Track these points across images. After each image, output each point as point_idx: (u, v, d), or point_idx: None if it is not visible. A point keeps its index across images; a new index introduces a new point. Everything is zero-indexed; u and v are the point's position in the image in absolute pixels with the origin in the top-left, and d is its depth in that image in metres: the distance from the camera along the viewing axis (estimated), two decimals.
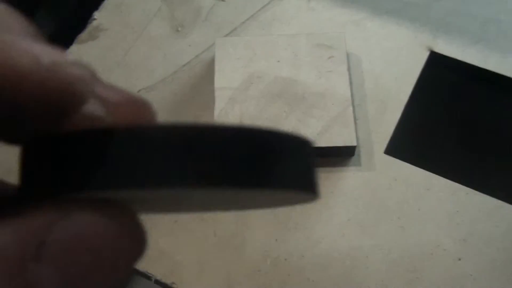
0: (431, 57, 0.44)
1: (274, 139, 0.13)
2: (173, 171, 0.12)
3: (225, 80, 0.41)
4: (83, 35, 0.47)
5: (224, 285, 0.36)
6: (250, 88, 0.41)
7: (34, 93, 0.12)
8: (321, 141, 0.38)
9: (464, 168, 0.41)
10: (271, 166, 0.13)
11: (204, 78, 0.44)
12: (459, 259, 0.36)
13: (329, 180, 0.39)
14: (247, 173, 0.12)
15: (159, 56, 0.46)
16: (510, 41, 0.44)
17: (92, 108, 0.13)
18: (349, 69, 0.42)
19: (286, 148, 0.13)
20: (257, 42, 0.43)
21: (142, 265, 0.37)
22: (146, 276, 0.36)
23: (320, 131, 0.39)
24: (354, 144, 0.38)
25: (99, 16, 0.48)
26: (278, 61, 0.42)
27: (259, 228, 0.38)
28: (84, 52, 0.46)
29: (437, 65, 0.45)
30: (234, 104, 0.40)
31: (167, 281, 0.37)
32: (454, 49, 0.44)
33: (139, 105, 0.14)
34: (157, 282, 0.37)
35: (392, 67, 0.44)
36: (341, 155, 0.40)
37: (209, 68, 0.44)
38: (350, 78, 0.41)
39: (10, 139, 0.13)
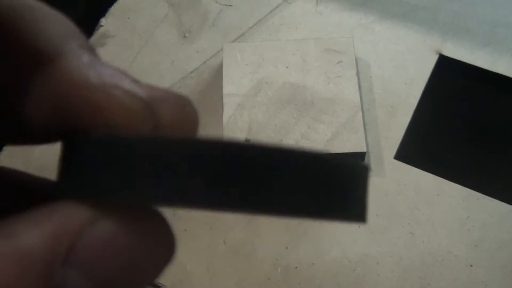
0: (440, 61, 0.44)
1: (333, 166, 0.13)
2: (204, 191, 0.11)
3: (234, 86, 0.41)
4: (90, 42, 0.47)
5: None
6: (259, 94, 0.41)
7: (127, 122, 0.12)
8: (331, 147, 0.38)
9: (474, 173, 0.41)
10: (326, 195, 0.12)
11: (212, 84, 0.44)
12: (471, 266, 0.36)
13: None
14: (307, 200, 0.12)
15: (167, 63, 0.46)
16: None
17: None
18: (358, 73, 0.42)
19: (343, 175, 0.13)
20: (265, 47, 0.43)
21: None
22: (156, 286, 0.36)
23: (329, 138, 0.39)
24: (364, 150, 0.38)
25: (106, 23, 0.48)
26: (287, 67, 0.42)
27: (269, 236, 0.38)
28: None
29: (446, 69, 0.44)
30: (243, 110, 0.40)
31: None
32: (463, 52, 0.44)
33: (183, 103, 0.13)
34: None
35: (401, 71, 0.44)
36: None
37: (217, 74, 0.44)
38: (359, 83, 0.41)
39: (50, 138, 0.13)
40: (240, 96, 0.41)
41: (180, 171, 0.11)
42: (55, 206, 0.11)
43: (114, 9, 0.49)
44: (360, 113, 0.39)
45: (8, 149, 0.42)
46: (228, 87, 0.41)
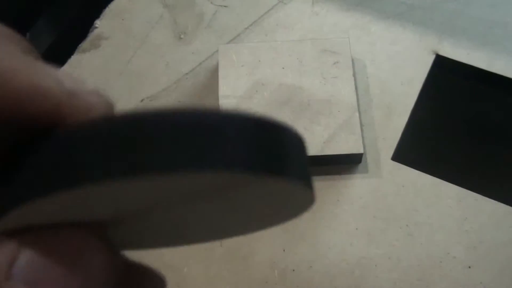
0: (436, 61, 0.44)
1: (276, 128, 0.13)
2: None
3: (229, 88, 0.41)
4: (84, 44, 0.47)
5: None
6: (255, 96, 0.40)
7: (50, 114, 0.12)
8: (328, 149, 0.38)
9: (472, 174, 0.40)
10: (273, 154, 0.12)
11: (208, 86, 0.44)
12: (469, 267, 0.36)
13: (336, 188, 0.39)
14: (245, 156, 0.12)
15: (162, 64, 0.45)
16: None
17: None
18: (354, 74, 0.42)
19: (287, 138, 0.13)
20: (261, 48, 0.43)
21: None
22: None
23: (326, 139, 0.38)
24: (361, 151, 0.38)
25: (101, 25, 0.48)
26: (283, 68, 0.42)
27: (266, 238, 0.37)
28: (86, 61, 0.46)
29: (443, 69, 0.44)
30: None
31: None
32: (459, 52, 0.44)
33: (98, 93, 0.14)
34: None
35: (398, 72, 0.43)
36: (348, 163, 0.39)
37: (213, 76, 0.44)
38: (355, 84, 0.41)
39: None
40: (236, 98, 0.40)
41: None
42: None
43: (108, 11, 0.48)
44: (357, 114, 0.39)
45: None
46: (224, 89, 0.41)
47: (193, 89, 0.44)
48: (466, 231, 0.37)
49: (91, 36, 0.47)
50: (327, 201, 0.38)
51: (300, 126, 0.39)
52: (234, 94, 0.41)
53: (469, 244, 0.37)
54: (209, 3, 0.48)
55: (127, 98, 0.44)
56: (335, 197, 0.39)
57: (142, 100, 0.44)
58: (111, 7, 0.49)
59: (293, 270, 0.36)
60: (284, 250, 0.37)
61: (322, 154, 0.38)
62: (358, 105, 0.41)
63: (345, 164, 0.39)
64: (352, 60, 0.42)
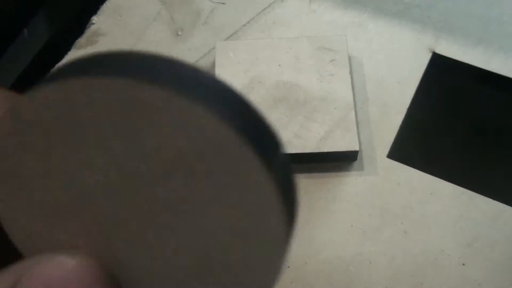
0: (433, 59, 0.44)
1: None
2: None
3: None
4: (81, 40, 0.47)
5: None
6: (251, 93, 0.41)
7: None
8: (324, 146, 0.38)
9: (468, 171, 0.41)
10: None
11: None
12: (463, 264, 0.36)
13: (331, 185, 0.39)
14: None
15: None
16: None
17: None
18: (351, 72, 0.42)
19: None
20: (258, 45, 0.43)
21: None
22: None
23: (322, 136, 0.38)
24: (357, 149, 0.38)
25: (98, 21, 0.48)
26: (280, 65, 0.42)
27: None
28: None
29: (440, 67, 0.44)
30: None
31: None
32: (456, 50, 0.44)
33: None
34: None
35: (394, 70, 0.43)
36: (343, 160, 0.39)
37: (210, 73, 0.44)
38: (352, 82, 0.41)
39: None
40: None
41: None
42: None
43: (105, 7, 0.48)
44: (353, 112, 0.39)
45: None
46: None
47: None
48: (461, 228, 0.37)
49: (88, 32, 0.47)
50: (322, 198, 0.39)
51: (296, 123, 0.39)
52: None
53: (464, 241, 0.37)
54: (207, 0, 0.48)
55: None
56: (331, 194, 0.39)
57: None
58: (108, 3, 0.49)
59: (288, 267, 0.36)
60: None
61: (318, 151, 0.38)
62: (355, 102, 0.41)
63: (340, 161, 0.40)
64: (349, 58, 0.42)
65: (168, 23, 0.47)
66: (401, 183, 0.39)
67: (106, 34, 0.47)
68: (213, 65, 0.44)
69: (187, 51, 0.46)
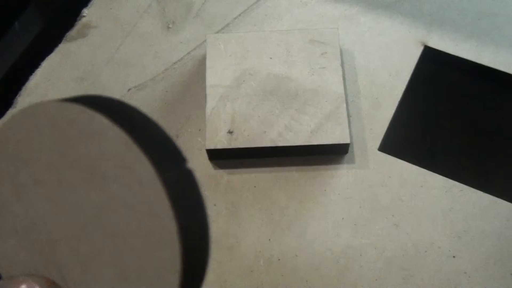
0: (425, 52, 0.44)
1: None
2: None
3: (217, 77, 0.41)
4: (72, 33, 0.46)
5: (217, 286, 0.36)
6: (242, 85, 0.40)
7: None
8: (315, 139, 0.38)
9: (458, 164, 0.41)
10: None
11: (195, 76, 0.44)
12: (454, 257, 0.36)
13: (323, 178, 0.39)
14: None
15: (150, 54, 0.45)
16: (504, 35, 0.44)
17: None
18: (342, 65, 0.42)
19: None
20: (249, 38, 0.42)
21: None
22: None
23: (313, 129, 0.38)
24: (348, 141, 0.38)
25: (88, 13, 0.47)
26: (271, 58, 0.41)
27: (252, 228, 0.37)
28: (73, 50, 0.45)
29: (431, 60, 0.44)
30: (226, 102, 0.40)
31: None
32: (448, 43, 0.44)
33: None
34: None
35: (386, 63, 0.43)
36: (335, 153, 0.39)
37: (201, 65, 0.44)
38: (343, 74, 0.41)
39: None
40: (224, 87, 0.40)
41: None
42: None
43: (96, 0, 0.48)
44: (344, 105, 0.39)
45: None
46: (211, 78, 0.41)
47: (181, 78, 0.44)
48: (451, 221, 0.37)
49: (79, 24, 0.47)
50: (313, 191, 0.38)
51: (287, 116, 0.39)
52: (222, 84, 0.40)
53: (454, 234, 0.37)
54: None
55: (114, 87, 0.43)
56: (322, 187, 0.39)
57: (129, 90, 0.43)
58: None
59: (279, 260, 0.36)
60: (269, 240, 0.37)
61: (309, 143, 0.38)
62: (346, 95, 0.41)
63: (332, 154, 0.39)
64: (341, 51, 0.42)
65: (159, 15, 0.47)
66: (392, 176, 0.39)
67: (97, 26, 0.47)
68: (204, 57, 0.43)
69: (178, 44, 0.45)
